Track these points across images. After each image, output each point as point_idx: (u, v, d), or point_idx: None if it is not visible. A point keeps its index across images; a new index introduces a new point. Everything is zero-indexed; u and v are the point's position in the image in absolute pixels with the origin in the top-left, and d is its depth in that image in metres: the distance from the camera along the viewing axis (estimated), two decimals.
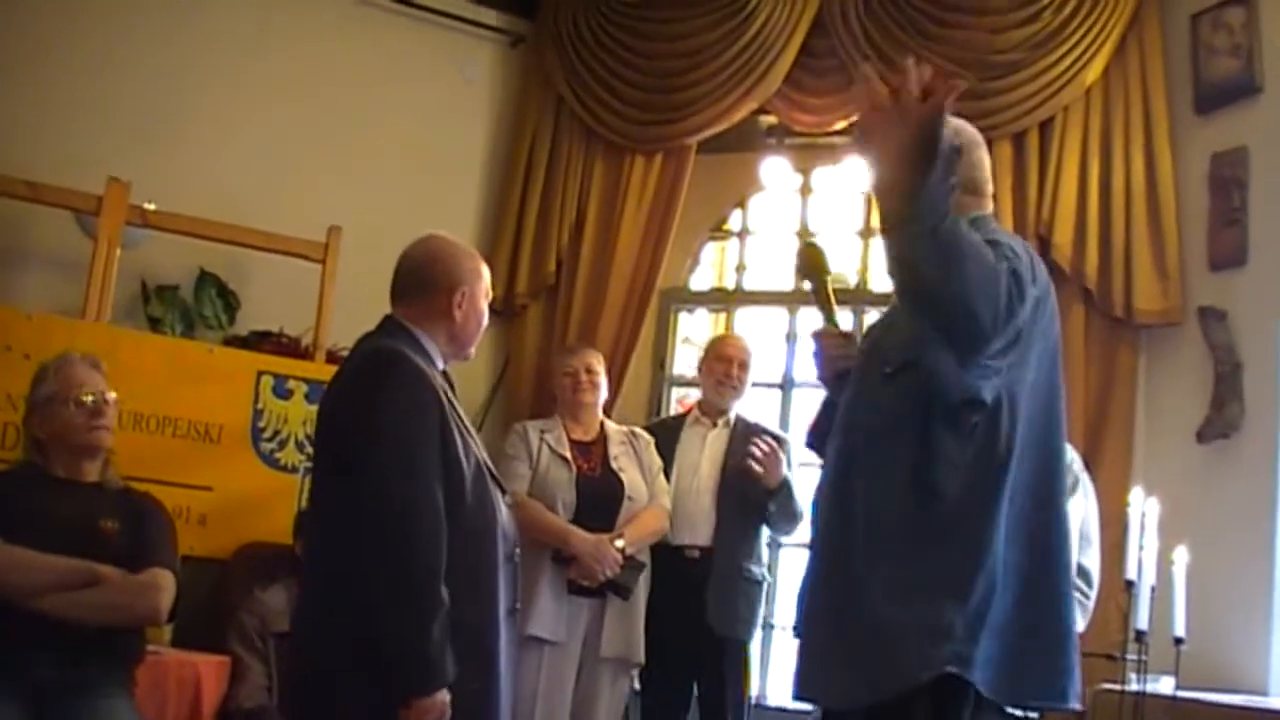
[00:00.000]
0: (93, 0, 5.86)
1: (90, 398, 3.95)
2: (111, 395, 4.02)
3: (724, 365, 5.47)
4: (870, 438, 2.63)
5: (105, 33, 5.87)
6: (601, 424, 5.32)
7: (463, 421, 3.24)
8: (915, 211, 2.24)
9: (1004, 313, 2.36)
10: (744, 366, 5.48)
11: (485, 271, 3.47)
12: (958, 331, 2.36)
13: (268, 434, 5.30)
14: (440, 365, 3.32)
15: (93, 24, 5.85)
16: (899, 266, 2.33)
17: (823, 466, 2.86)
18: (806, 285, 3.31)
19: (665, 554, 5.23)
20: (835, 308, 3.17)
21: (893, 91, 2.26)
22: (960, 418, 2.50)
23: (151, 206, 5.36)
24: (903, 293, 2.41)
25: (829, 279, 3.23)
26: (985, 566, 2.50)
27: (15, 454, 4.43)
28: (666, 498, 5.22)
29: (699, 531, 5.26)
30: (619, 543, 4.97)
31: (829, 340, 3.10)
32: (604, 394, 5.40)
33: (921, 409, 2.54)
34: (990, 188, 2.91)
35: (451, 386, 3.30)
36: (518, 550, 3.36)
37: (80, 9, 5.82)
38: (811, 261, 3.27)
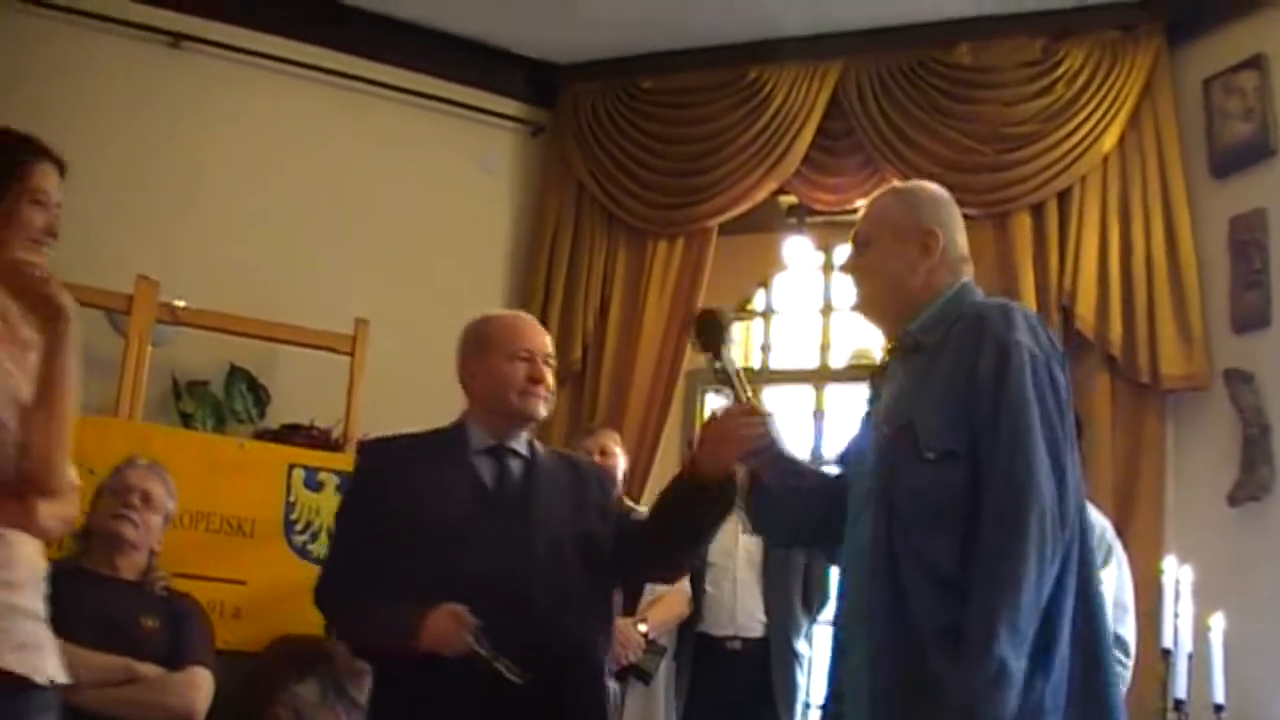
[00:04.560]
0: (117, 103, 5.96)
1: (124, 489, 4.02)
2: (158, 496, 4.10)
3: None
4: (918, 529, 2.53)
5: (130, 134, 5.97)
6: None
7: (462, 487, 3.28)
8: None
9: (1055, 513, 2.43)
10: None
11: (495, 333, 3.39)
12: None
13: (300, 526, 5.31)
14: (480, 445, 3.32)
15: (117, 126, 5.95)
16: None
17: (847, 547, 2.75)
18: (717, 362, 2.90)
19: (702, 645, 5.20)
20: (743, 380, 2.88)
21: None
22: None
23: (181, 304, 5.42)
24: None
25: (731, 347, 2.89)
26: (1056, 650, 2.45)
27: (50, 552, 4.46)
28: (686, 581, 5.17)
29: (740, 622, 5.21)
30: (641, 627, 4.93)
31: (739, 420, 2.85)
32: (620, 473, 5.35)
33: (966, 499, 2.48)
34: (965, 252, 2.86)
35: (498, 457, 3.32)
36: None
37: (104, 113, 5.93)
38: (710, 330, 2.92)
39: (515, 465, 3.32)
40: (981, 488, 2.48)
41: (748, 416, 2.84)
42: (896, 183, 3.05)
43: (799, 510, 2.91)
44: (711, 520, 3.10)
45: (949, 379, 2.58)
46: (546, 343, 3.40)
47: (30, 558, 2.63)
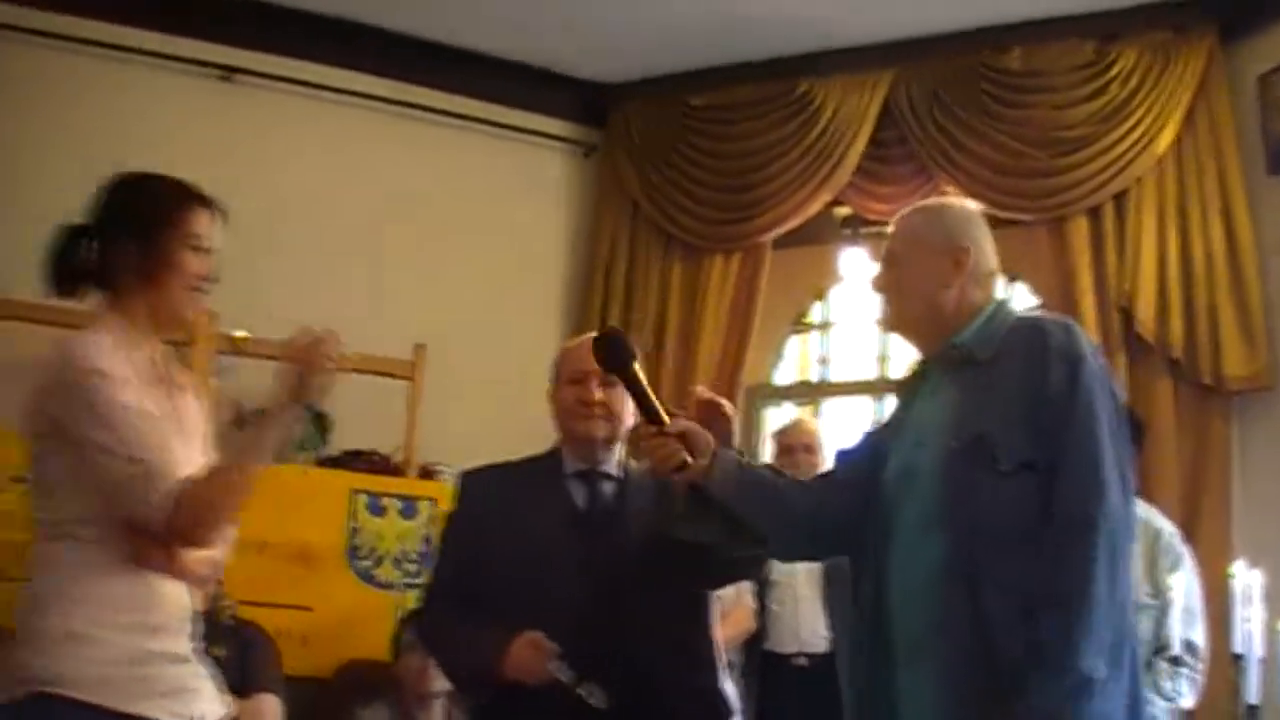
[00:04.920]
0: (170, 136, 6.00)
1: None
2: None
3: (788, 456, 5.24)
4: (996, 544, 2.51)
5: (183, 167, 5.87)
6: None
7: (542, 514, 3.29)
8: None
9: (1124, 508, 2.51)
10: (810, 450, 5.25)
11: (560, 361, 3.44)
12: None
13: (363, 552, 5.35)
14: (571, 469, 3.34)
15: (170, 159, 5.90)
16: None
17: (902, 563, 2.69)
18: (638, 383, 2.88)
19: (768, 663, 5.17)
20: (653, 398, 2.84)
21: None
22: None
23: (242, 334, 5.47)
24: None
25: (636, 366, 2.88)
26: (1127, 656, 2.50)
27: None
28: (750, 595, 5.14)
29: (804, 638, 5.18)
30: None
31: (654, 442, 2.81)
32: None
33: (1043, 513, 2.49)
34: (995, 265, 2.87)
35: (589, 481, 3.33)
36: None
37: (157, 146, 5.94)
38: (610, 349, 2.95)
39: (607, 488, 3.34)
40: (1053, 499, 2.49)
41: (657, 437, 2.82)
42: (925, 200, 3.08)
43: (761, 514, 2.88)
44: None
45: (1015, 391, 2.58)
46: None
47: (174, 598, 2.63)
